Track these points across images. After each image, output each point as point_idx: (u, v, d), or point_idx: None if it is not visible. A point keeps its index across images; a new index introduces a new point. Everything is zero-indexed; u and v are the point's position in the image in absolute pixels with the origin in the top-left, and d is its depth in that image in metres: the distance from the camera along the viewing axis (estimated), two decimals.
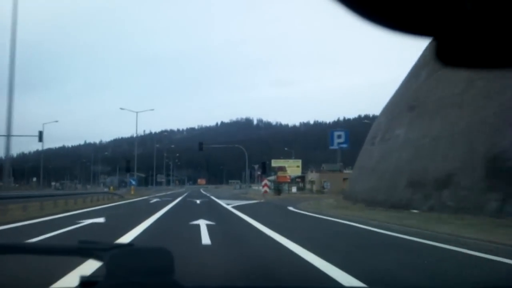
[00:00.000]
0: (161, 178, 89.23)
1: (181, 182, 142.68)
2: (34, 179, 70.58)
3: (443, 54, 0.84)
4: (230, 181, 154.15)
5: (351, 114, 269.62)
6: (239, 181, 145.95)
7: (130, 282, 1.14)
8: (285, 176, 65.21)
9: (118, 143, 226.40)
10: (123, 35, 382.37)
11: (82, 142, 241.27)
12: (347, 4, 0.76)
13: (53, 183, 77.05)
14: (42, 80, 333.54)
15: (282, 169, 63.77)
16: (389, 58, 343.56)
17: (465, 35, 0.81)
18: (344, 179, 54.86)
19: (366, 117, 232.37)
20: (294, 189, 64.50)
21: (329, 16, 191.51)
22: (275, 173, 66.60)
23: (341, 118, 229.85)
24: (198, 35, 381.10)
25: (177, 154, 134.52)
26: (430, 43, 0.85)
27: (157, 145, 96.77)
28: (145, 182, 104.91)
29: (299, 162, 70.97)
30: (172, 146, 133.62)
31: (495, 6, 0.74)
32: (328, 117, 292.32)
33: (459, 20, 0.77)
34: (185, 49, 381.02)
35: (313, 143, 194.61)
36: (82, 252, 1.36)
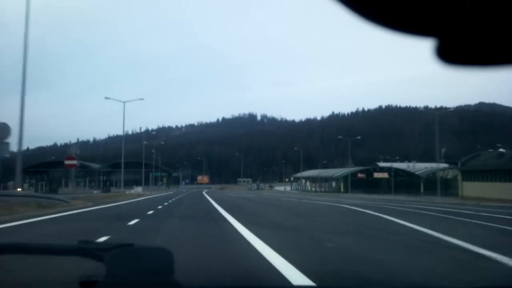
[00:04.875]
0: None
1: (175, 182, 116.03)
2: None
3: (443, 53, 0.84)
4: (239, 179, 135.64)
5: (371, 105, 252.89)
6: (250, 179, 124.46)
7: (130, 282, 1.14)
8: None
9: (113, 141, 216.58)
10: (122, 33, 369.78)
11: (74, 140, 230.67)
12: (348, 4, 0.75)
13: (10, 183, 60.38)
14: (36, 79, 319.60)
15: None
16: (390, 57, 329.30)
17: (465, 34, 0.80)
18: None
19: (388, 107, 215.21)
20: None
21: (330, 16, 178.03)
22: None
23: (360, 109, 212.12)
24: (199, 34, 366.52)
25: (162, 142, 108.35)
26: (430, 42, 0.84)
27: (146, 142, 74.00)
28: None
29: None
30: (162, 142, 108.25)
31: (494, 4, 0.74)
32: (343, 109, 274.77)
33: (459, 18, 0.77)
34: (185, 48, 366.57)
35: (334, 135, 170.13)
36: (82, 252, 1.36)
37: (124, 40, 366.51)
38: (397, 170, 69.00)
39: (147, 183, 72.81)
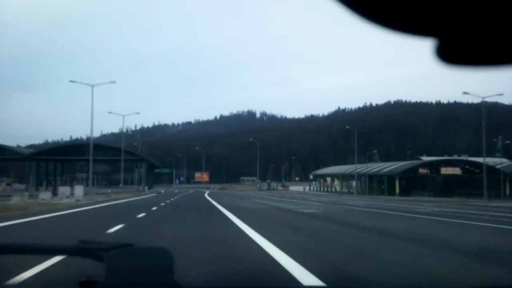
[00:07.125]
0: None
1: (169, 180, 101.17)
2: None
3: (443, 53, 0.84)
4: (242, 178, 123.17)
5: (380, 100, 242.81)
6: (255, 178, 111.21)
7: (130, 282, 1.14)
8: None
9: (107, 138, 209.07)
10: (121, 33, 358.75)
11: (67, 138, 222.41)
12: (349, 4, 0.75)
13: None
14: (36, 78, 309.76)
15: None
16: (393, 56, 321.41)
17: (465, 34, 0.80)
18: None
19: (398, 102, 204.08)
20: None
21: (331, 16, 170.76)
22: None
23: (368, 104, 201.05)
24: (197, 33, 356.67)
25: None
26: (430, 42, 0.84)
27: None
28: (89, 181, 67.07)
29: None
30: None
31: (494, 4, 0.74)
32: (348, 105, 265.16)
33: (459, 18, 0.77)
34: (185, 47, 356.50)
35: (342, 131, 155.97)
36: (82, 252, 1.37)
37: (122, 39, 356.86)
38: (470, 164, 51.84)
39: (130, 182, 57.06)
